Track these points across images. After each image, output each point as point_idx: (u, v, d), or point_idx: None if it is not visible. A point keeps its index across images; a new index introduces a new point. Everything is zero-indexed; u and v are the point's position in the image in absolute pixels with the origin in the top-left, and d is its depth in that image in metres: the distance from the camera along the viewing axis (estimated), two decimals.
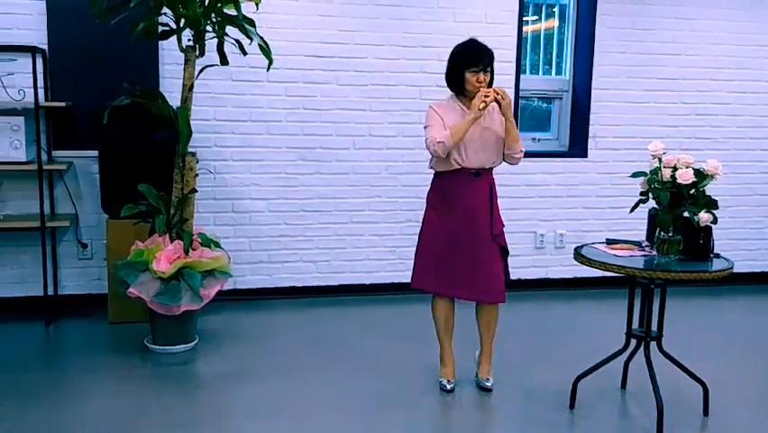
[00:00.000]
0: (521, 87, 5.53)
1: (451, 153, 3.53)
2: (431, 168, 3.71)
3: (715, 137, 5.83)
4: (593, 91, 5.61)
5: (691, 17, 5.67)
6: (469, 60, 3.53)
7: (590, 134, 5.67)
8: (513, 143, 3.59)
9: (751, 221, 6.06)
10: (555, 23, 5.84)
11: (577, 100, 5.75)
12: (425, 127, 3.62)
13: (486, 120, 3.56)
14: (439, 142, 3.48)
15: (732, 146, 5.88)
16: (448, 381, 3.74)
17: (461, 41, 3.66)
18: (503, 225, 3.70)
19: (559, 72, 5.85)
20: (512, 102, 3.56)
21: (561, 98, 5.79)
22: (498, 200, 3.70)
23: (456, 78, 3.58)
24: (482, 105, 3.43)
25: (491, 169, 3.66)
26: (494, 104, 3.49)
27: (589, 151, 5.68)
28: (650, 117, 5.71)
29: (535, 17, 5.85)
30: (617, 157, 5.68)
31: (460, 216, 3.59)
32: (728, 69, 5.79)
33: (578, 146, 5.71)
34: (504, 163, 3.70)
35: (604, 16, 5.54)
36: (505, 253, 3.68)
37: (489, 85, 3.56)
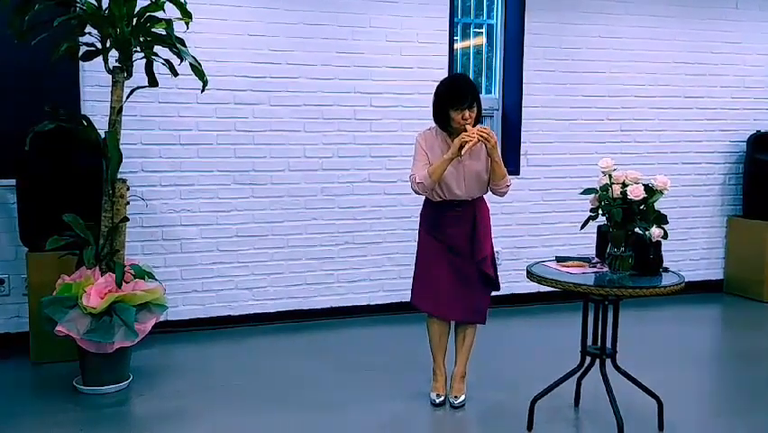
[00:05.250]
0: None
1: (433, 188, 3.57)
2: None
3: (639, 152, 5.98)
4: (524, 109, 5.67)
5: (614, 35, 5.81)
6: (452, 99, 3.46)
7: (522, 152, 5.72)
8: (498, 180, 3.61)
9: (675, 232, 6.19)
10: (483, 39, 5.88)
11: (508, 118, 5.80)
12: (413, 157, 3.62)
13: (470, 156, 3.52)
14: (419, 183, 3.52)
15: (655, 160, 6.03)
16: (437, 395, 3.78)
17: (445, 78, 3.64)
18: (490, 252, 3.70)
19: (489, 91, 5.89)
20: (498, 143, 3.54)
21: (491, 116, 5.82)
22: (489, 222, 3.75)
23: (441, 115, 3.53)
24: (464, 150, 3.39)
25: (475, 198, 3.66)
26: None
27: (521, 168, 5.73)
28: (579, 134, 5.82)
29: (465, 39, 5.87)
30: (548, 174, 5.75)
31: (445, 241, 3.64)
32: (649, 86, 5.98)
33: (510, 164, 5.72)
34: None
35: (532, 35, 5.61)
36: (487, 279, 3.68)
37: (477, 119, 3.52)
